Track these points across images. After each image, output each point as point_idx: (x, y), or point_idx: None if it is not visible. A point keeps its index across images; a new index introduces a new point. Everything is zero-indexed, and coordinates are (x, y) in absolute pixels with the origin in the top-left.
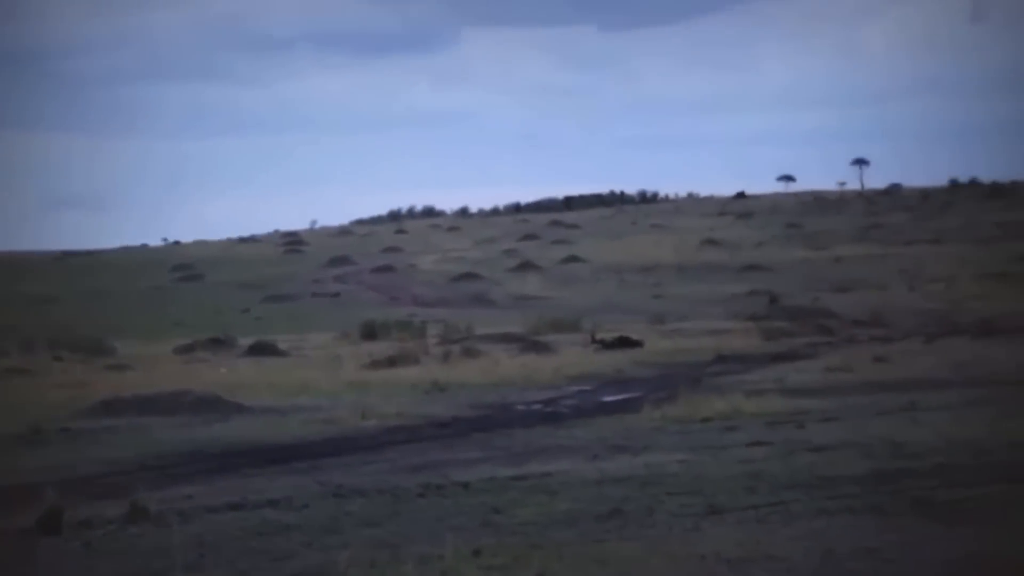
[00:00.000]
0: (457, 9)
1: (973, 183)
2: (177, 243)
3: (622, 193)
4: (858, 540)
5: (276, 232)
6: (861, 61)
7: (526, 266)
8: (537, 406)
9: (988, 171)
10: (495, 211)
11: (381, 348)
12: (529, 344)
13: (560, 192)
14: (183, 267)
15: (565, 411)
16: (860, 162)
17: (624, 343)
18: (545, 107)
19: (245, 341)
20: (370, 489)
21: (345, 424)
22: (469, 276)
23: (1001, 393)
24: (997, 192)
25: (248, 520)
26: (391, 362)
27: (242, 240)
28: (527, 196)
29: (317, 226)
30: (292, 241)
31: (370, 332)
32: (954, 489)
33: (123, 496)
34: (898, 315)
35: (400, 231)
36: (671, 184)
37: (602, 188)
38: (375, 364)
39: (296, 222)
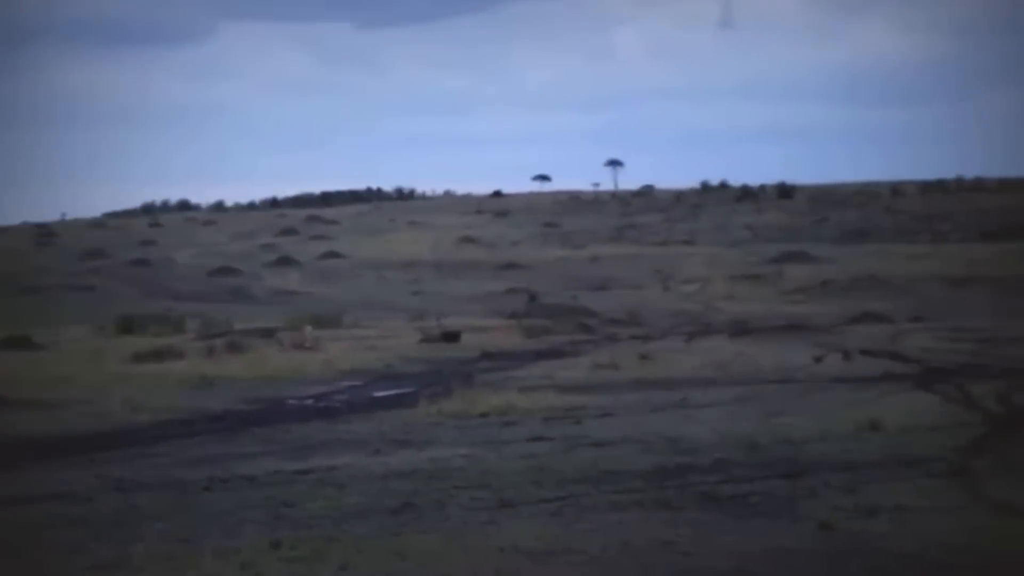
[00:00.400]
0: (214, 3)
1: (723, 186)
2: None
3: (379, 190)
4: (653, 533)
5: (25, 224)
6: (613, 65)
7: (285, 261)
8: (310, 401)
9: (738, 174)
10: (252, 206)
11: (141, 342)
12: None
13: (317, 188)
14: None
15: (339, 406)
16: (614, 163)
17: (449, 337)
18: (301, 103)
19: None
20: (153, 483)
21: (116, 418)
22: (227, 270)
23: (765, 391)
24: (746, 195)
25: (33, 514)
26: (156, 356)
27: None
28: (284, 191)
29: (68, 218)
30: (43, 233)
31: (127, 326)
32: (738, 484)
33: None
34: (654, 315)
35: (155, 224)
36: (428, 182)
37: (359, 185)
38: (138, 358)
39: (46, 214)
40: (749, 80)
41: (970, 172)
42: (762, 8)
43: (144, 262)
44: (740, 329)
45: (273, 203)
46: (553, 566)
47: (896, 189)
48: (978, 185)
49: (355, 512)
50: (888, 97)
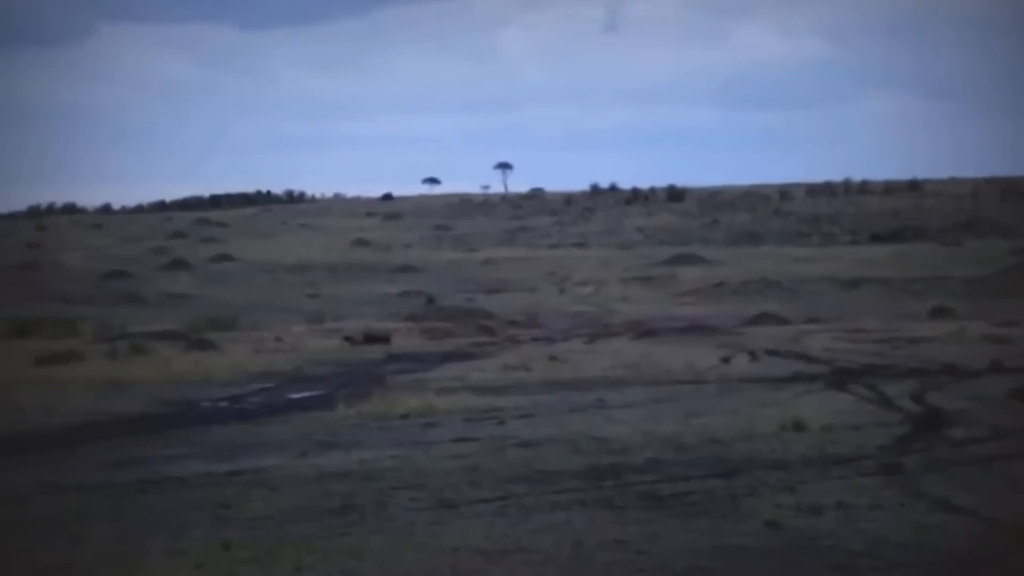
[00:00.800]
0: (94, 4)
1: (613, 188)
2: None
3: (268, 192)
4: (602, 533)
5: None
6: (499, 67)
7: (176, 264)
8: (224, 403)
9: (626, 177)
10: (139, 209)
11: (38, 345)
12: (193, 342)
13: (206, 191)
14: None
15: (254, 408)
16: (503, 166)
17: (373, 339)
18: (186, 105)
19: None
20: (83, 485)
21: (29, 422)
22: (118, 274)
23: (679, 392)
24: (636, 198)
25: None
26: (58, 359)
27: None
28: (172, 194)
29: None
30: None
31: (20, 329)
32: (674, 483)
33: None
34: (551, 316)
35: (41, 228)
36: (317, 184)
37: (248, 187)
38: (41, 360)
39: None
40: (635, 83)
41: (856, 175)
42: (646, 12)
43: (32, 265)
44: (642, 331)
45: (161, 206)
46: (509, 565)
47: (784, 192)
48: (864, 188)
49: (296, 513)
50: (772, 100)
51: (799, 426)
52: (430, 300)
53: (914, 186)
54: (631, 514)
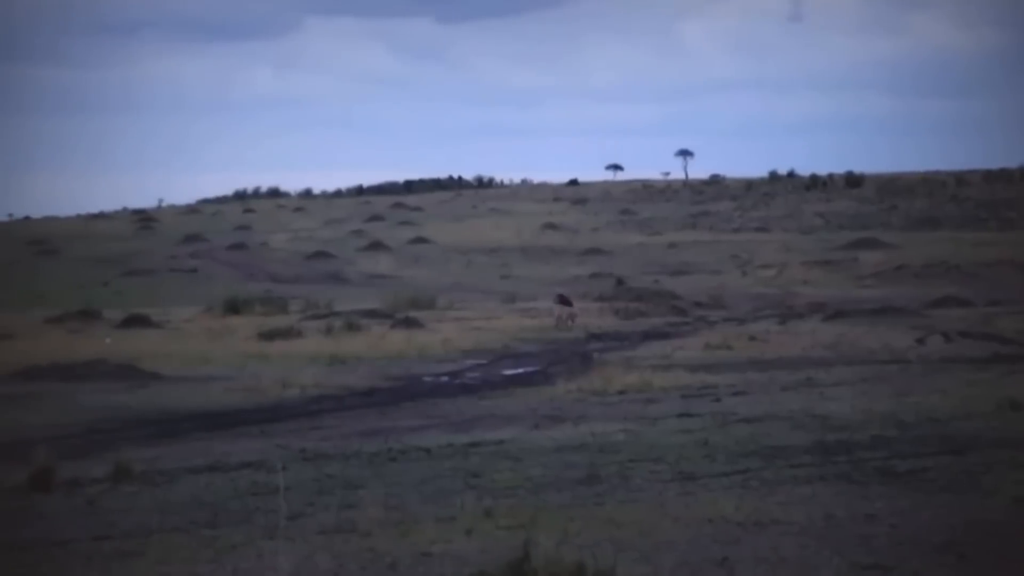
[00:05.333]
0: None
1: (791, 175)
2: (27, 218)
3: (459, 178)
4: (851, 507)
5: (125, 209)
6: (682, 57)
7: (376, 246)
8: (445, 378)
9: (804, 164)
10: (338, 193)
11: (255, 322)
12: (399, 320)
13: (400, 176)
14: (37, 242)
15: (475, 383)
16: (685, 153)
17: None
18: (382, 95)
19: (112, 314)
20: (335, 453)
21: (268, 392)
22: (322, 255)
23: (884, 371)
24: (815, 184)
25: (235, 480)
26: (280, 335)
27: (92, 216)
28: (368, 180)
29: (164, 204)
30: (143, 218)
31: (233, 307)
32: (906, 460)
33: (89, 457)
34: (735, 298)
35: (248, 210)
36: (505, 171)
37: (440, 173)
38: (263, 336)
39: (143, 200)
40: (814, 71)
41: None
42: (829, 2)
43: (242, 246)
44: (831, 312)
45: (359, 191)
46: (767, 536)
47: (961, 178)
48: None
49: (544, 483)
50: (948, 88)
51: (1015, 406)
52: (619, 281)
53: None
54: (874, 489)
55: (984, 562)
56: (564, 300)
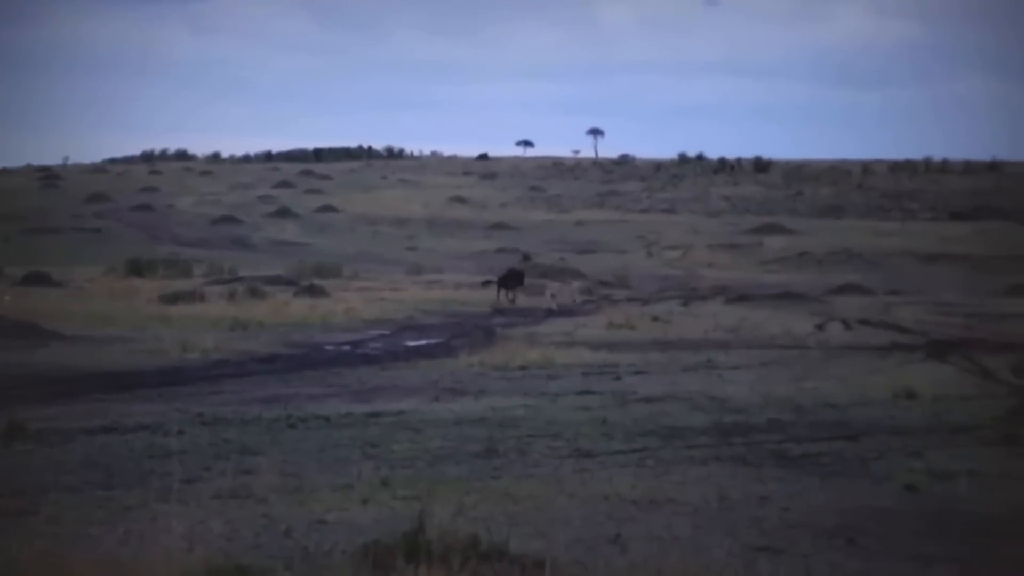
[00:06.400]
0: None
1: (700, 158)
2: None
3: (370, 148)
4: (745, 488)
5: (29, 166)
6: (598, 36)
7: (283, 212)
8: (347, 347)
9: (713, 147)
10: (247, 158)
11: (157, 284)
12: (303, 288)
13: (310, 144)
14: None
15: (377, 353)
16: (595, 132)
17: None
18: (297, 61)
19: (12, 271)
20: (234, 418)
21: (169, 355)
22: (228, 219)
23: (784, 356)
24: (723, 168)
25: (130, 443)
26: (183, 298)
27: None
28: (278, 146)
29: (69, 162)
30: (47, 175)
31: (137, 268)
32: (802, 444)
33: None
34: (640, 278)
35: (154, 172)
36: (415, 142)
37: (350, 142)
38: (165, 299)
39: (47, 158)
40: (728, 57)
41: (937, 154)
42: None
43: (147, 207)
44: (734, 295)
45: (268, 157)
46: (662, 515)
47: (867, 168)
48: (945, 167)
49: (443, 455)
50: (860, 79)
51: (910, 394)
52: (525, 257)
53: (993, 167)
54: (768, 471)
55: (873, 547)
56: (510, 278)
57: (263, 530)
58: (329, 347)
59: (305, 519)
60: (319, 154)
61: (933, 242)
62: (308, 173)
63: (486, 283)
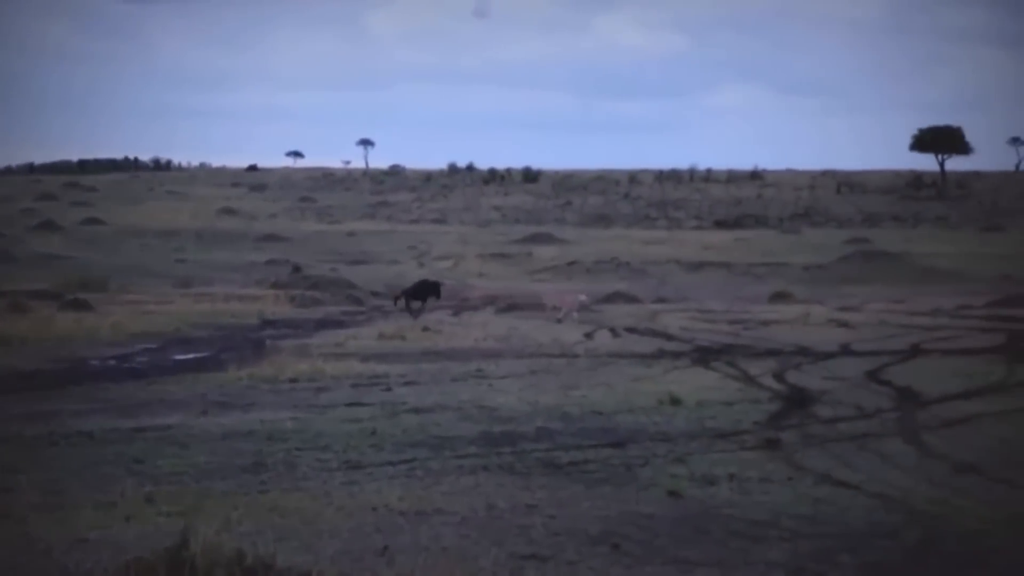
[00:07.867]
0: None
1: (471, 168)
2: None
3: (136, 159)
4: (512, 497)
5: None
6: (367, 47)
7: (47, 225)
8: (113, 362)
9: (483, 158)
10: (8, 170)
11: None
12: (68, 302)
13: (74, 156)
14: None
15: (144, 367)
16: (365, 142)
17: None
18: (60, 70)
19: None
20: None
21: None
22: None
23: (553, 365)
24: (493, 178)
25: None
26: None
27: None
28: (39, 158)
29: None
30: None
31: None
32: (569, 452)
33: None
34: None
35: None
36: (183, 153)
37: (115, 154)
38: None
39: None
40: (498, 68)
41: (702, 163)
42: (515, 1)
43: None
44: (505, 304)
45: (29, 169)
46: (429, 526)
47: (634, 177)
48: (709, 176)
49: (210, 470)
50: (626, 89)
51: (675, 401)
52: (296, 268)
53: (755, 176)
54: (535, 480)
55: (636, 552)
56: (422, 290)
57: (22, 550)
58: (94, 362)
59: (66, 538)
60: (84, 166)
61: (698, 250)
62: (73, 185)
63: (397, 299)
